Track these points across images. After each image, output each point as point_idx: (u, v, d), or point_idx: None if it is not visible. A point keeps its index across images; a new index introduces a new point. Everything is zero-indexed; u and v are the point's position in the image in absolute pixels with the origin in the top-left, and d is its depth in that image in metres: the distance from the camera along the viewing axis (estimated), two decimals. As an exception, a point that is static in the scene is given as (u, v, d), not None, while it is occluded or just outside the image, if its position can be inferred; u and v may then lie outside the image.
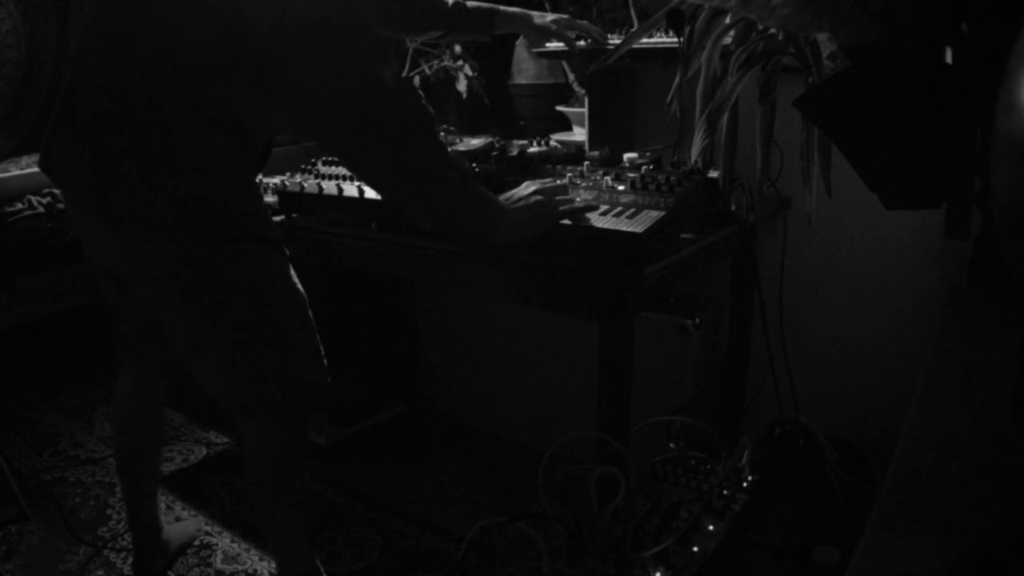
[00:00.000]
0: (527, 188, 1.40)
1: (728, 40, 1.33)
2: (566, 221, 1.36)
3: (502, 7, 1.80)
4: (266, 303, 1.33)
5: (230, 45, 1.20)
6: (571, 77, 2.14)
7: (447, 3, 1.75)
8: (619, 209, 1.40)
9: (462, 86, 2.26)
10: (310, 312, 1.39)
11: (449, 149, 1.44)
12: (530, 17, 1.79)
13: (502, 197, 1.36)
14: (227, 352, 1.33)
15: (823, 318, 1.94)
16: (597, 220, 1.36)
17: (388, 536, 1.93)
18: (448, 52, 2.25)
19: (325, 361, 1.42)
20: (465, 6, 1.77)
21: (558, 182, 1.50)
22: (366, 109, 1.19)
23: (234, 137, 1.25)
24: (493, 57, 2.31)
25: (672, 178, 1.45)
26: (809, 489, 1.75)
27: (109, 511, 2.05)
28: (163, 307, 1.35)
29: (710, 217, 1.52)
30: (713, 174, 1.49)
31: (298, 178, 1.76)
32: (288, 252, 1.38)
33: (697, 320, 1.87)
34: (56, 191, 2.46)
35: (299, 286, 1.38)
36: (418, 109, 1.26)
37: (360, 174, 1.33)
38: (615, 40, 1.79)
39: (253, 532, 1.92)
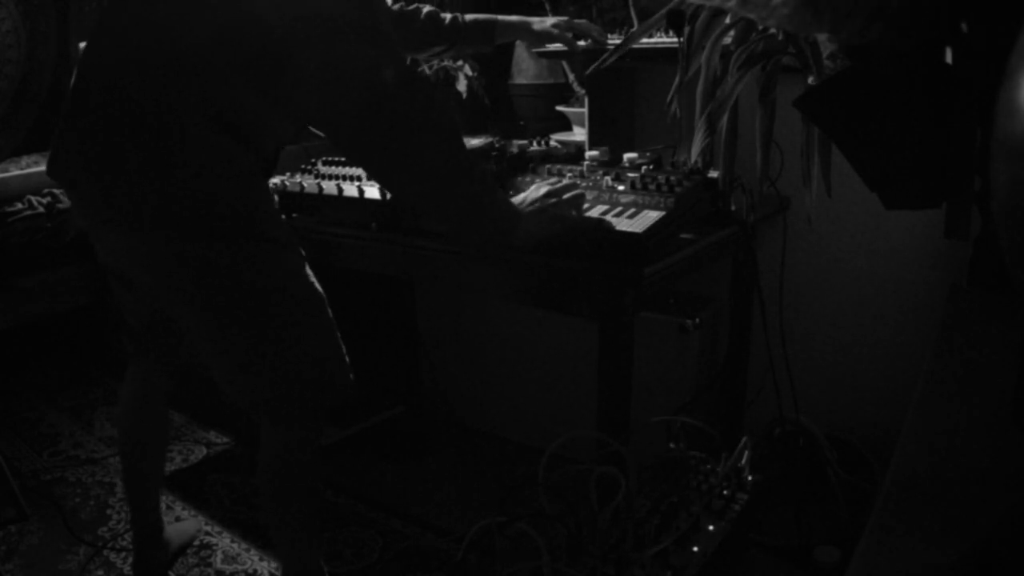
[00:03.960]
0: (539, 190, 1.39)
1: (728, 40, 1.32)
2: (578, 230, 1.35)
3: (501, 16, 1.80)
4: (280, 303, 1.32)
5: (234, 45, 1.20)
6: (571, 77, 2.14)
7: (445, 19, 1.75)
8: (619, 209, 1.40)
9: (462, 86, 2.26)
10: (328, 311, 1.38)
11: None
12: (529, 24, 1.79)
13: (514, 200, 1.36)
14: (243, 353, 1.33)
15: (823, 318, 1.94)
16: (600, 223, 1.36)
17: (388, 536, 1.93)
18: (448, 52, 2.25)
19: (347, 359, 1.41)
20: (464, 21, 1.77)
21: (564, 181, 1.50)
22: (369, 110, 1.19)
23: (239, 138, 1.25)
24: (493, 57, 2.31)
25: (672, 178, 1.45)
26: (809, 489, 1.75)
27: (109, 511, 2.05)
28: (177, 309, 1.35)
29: (710, 217, 1.52)
30: (713, 174, 1.49)
31: (298, 178, 1.76)
32: (303, 252, 1.38)
33: (697, 320, 1.87)
34: (56, 191, 2.46)
35: (316, 285, 1.37)
36: (436, 109, 1.25)
37: (373, 177, 1.33)
38: (615, 40, 1.79)
39: (253, 532, 1.92)
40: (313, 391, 1.38)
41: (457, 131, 1.28)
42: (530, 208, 1.34)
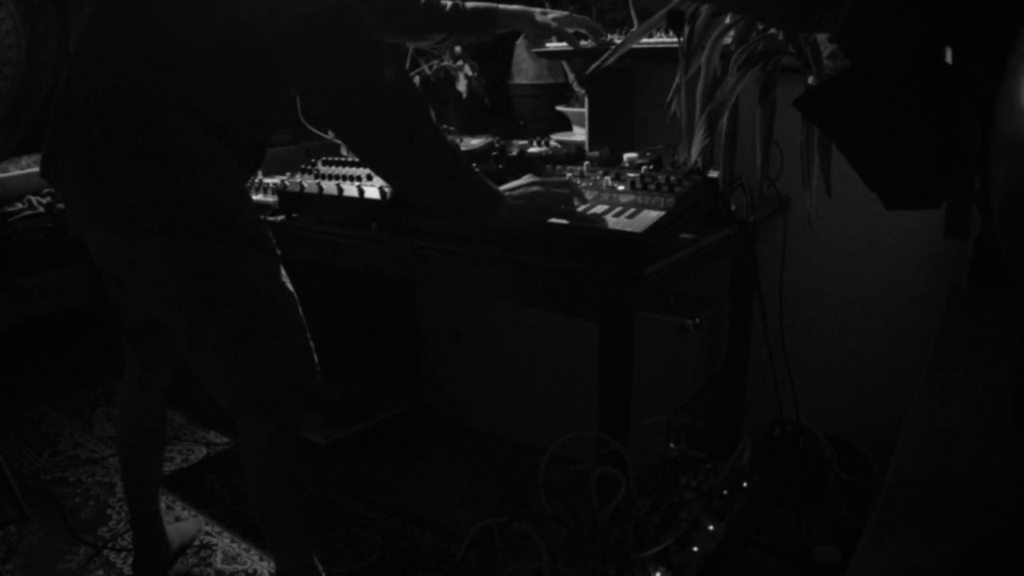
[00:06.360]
0: (527, 179, 1.41)
1: (728, 40, 1.33)
2: (563, 220, 1.36)
3: (502, 6, 1.80)
4: (257, 303, 1.33)
5: (229, 44, 1.20)
6: (571, 77, 2.14)
7: (446, 6, 1.75)
8: (619, 209, 1.40)
9: (462, 86, 2.26)
10: (300, 311, 1.39)
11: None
12: (531, 15, 1.79)
13: (502, 188, 1.37)
14: (220, 351, 1.34)
15: (823, 318, 1.94)
16: (597, 220, 1.36)
17: (388, 536, 1.93)
18: (448, 52, 2.25)
19: (316, 358, 1.42)
20: (465, 8, 1.77)
21: (567, 177, 1.50)
22: (368, 105, 1.19)
23: (223, 137, 1.25)
24: (493, 57, 2.31)
25: (672, 178, 1.45)
26: (809, 489, 1.75)
27: (109, 511, 2.06)
28: (159, 307, 1.36)
29: (710, 217, 1.52)
30: (713, 174, 1.49)
31: (298, 178, 1.76)
32: (279, 252, 1.38)
33: (697, 320, 1.87)
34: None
35: (290, 286, 1.38)
36: (417, 102, 1.27)
37: (366, 162, 1.34)
38: (615, 40, 1.79)
39: (253, 532, 1.92)
40: (285, 389, 1.39)
41: (430, 114, 1.29)
42: (512, 193, 1.35)
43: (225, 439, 2.44)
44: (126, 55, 1.21)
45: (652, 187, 1.44)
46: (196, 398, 2.40)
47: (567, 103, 2.16)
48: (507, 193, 1.35)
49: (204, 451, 2.38)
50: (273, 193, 1.80)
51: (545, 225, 1.36)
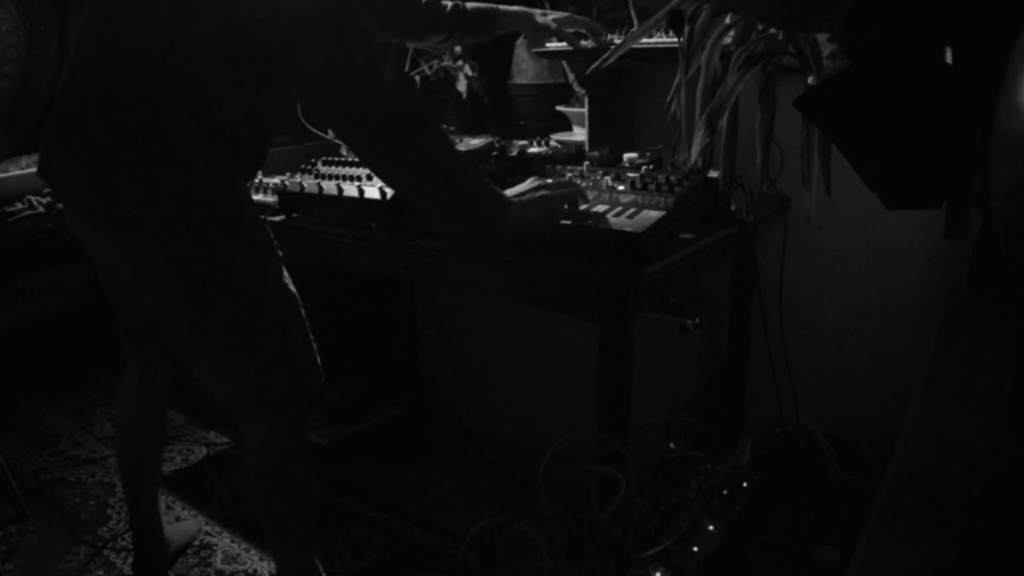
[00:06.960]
0: (532, 183, 1.40)
1: (728, 40, 1.33)
2: (567, 221, 1.36)
3: (502, 7, 1.81)
4: (259, 303, 1.33)
5: (229, 44, 1.20)
6: (571, 77, 2.14)
7: (447, 7, 1.75)
8: (619, 209, 1.40)
9: (462, 86, 2.26)
10: (303, 312, 1.39)
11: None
12: (531, 16, 1.79)
13: (508, 192, 1.36)
14: (222, 351, 1.34)
15: (823, 318, 1.94)
16: (598, 220, 1.36)
17: (388, 536, 1.93)
18: (448, 52, 2.25)
19: (319, 359, 1.42)
20: (465, 9, 1.77)
21: (567, 178, 1.50)
22: (369, 105, 1.19)
23: (222, 138, 1.25)
24: (493, 57, 2.31)
25: (672, 178, 1.45)
26: (809, 489, 1.75)
27: (109, 511, 2.06)
28: (160, 307, 1.36)
29: (710, 217, 1.52)
30: (713, 174, 1.49)
31: (298, 178, 1.76)
32: (281, 254, 1.38)
33: (697, 320, 1.87)
34: (56, 191, 2.46)
35: (292, 288, 1.38)
36: (419, 103, 1.27)
37: (367, 164, 1.34)
38: (615, 40, 1.79)
39: (253, 532, 1.92)
40: (287, 389, 1.39)
41: (435, 123, 1.29)
42: (519, 200, 1.35)
43: (225, 439, 2.44)
44: (126, 55, 1.21)
45: (652, 187, 1.44)
46: (196, 398, 2.40)
47: (567, 103, 2.16)
48: (514, 199, 1.34)
49: (204, 451, 2.38)
50: (273, 193, 1.80)
51: (552, 229, 1.35)
